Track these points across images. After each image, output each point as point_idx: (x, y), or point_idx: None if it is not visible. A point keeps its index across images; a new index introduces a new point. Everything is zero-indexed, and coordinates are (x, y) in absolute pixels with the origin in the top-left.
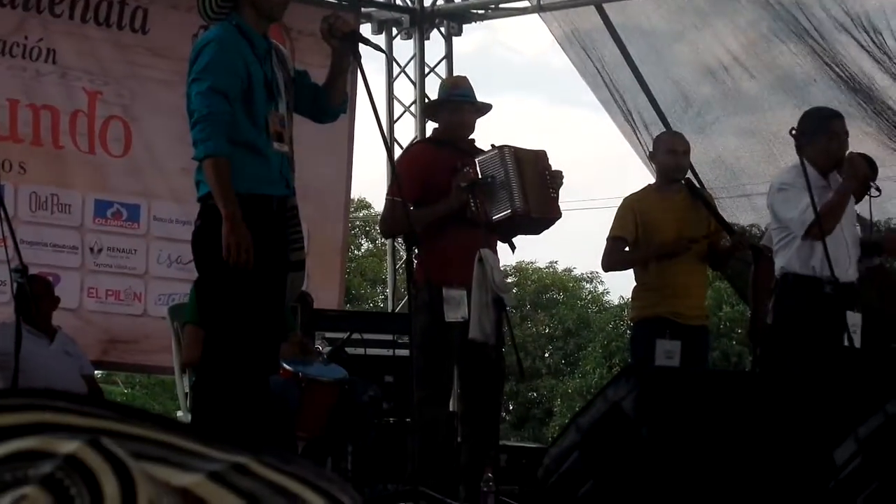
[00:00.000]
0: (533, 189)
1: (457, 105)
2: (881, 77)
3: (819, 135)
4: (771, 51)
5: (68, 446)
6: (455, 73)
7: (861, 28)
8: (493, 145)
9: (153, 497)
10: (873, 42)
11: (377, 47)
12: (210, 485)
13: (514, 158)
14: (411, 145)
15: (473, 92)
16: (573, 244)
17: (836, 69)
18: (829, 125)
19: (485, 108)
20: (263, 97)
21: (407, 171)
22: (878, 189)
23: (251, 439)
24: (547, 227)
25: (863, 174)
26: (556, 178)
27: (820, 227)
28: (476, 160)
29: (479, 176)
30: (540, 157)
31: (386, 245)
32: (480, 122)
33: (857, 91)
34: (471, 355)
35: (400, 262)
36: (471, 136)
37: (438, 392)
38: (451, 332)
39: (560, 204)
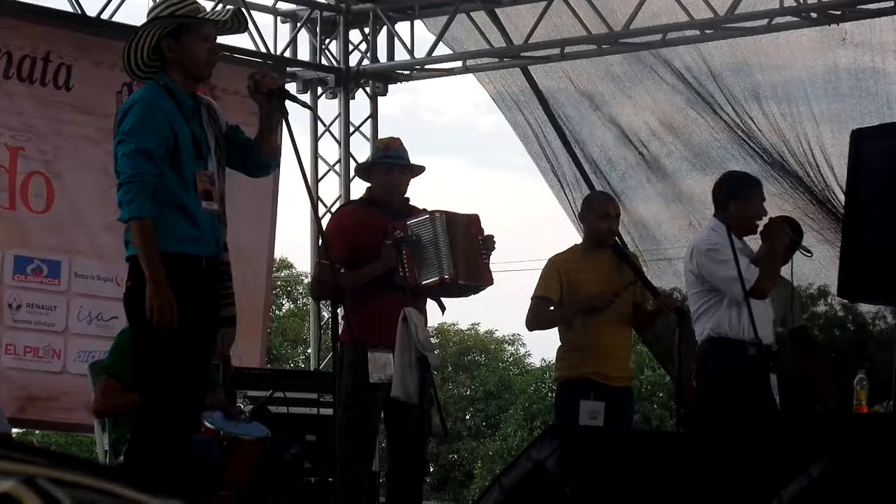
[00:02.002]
0: (463, 255)
1: (388, 167)
2: (790, 154)
3: (737, 199)
4: (688, 123)
5: (2, 486)
6: (380, 134)
7: (775, 100)
8: (425, 210)
9: None
10: (783, 115)
11: (303, 104)
12: None
13: (444, 223)
14: (342, 207)
15: (406, 153)
16: (495, 306)
17: (750, 143)
18: (748, 190)
19: (417, 170)
20: (191, 156)
21: (336, 233)
22: (809, 251)
23: (185, 488)
24: (477, 292)
25: (788, 238)
26: (488, 243)
27: (743, 290)
28: (407, 223)
29: (408, 234)
30: (472, 221)
31: (308, 305)
32: (413, 187)
33: (772, 165)
34: (395, 414)
35: (323, 321)
36: (405, 196)
37: (363, 451)
38: (376, 392)
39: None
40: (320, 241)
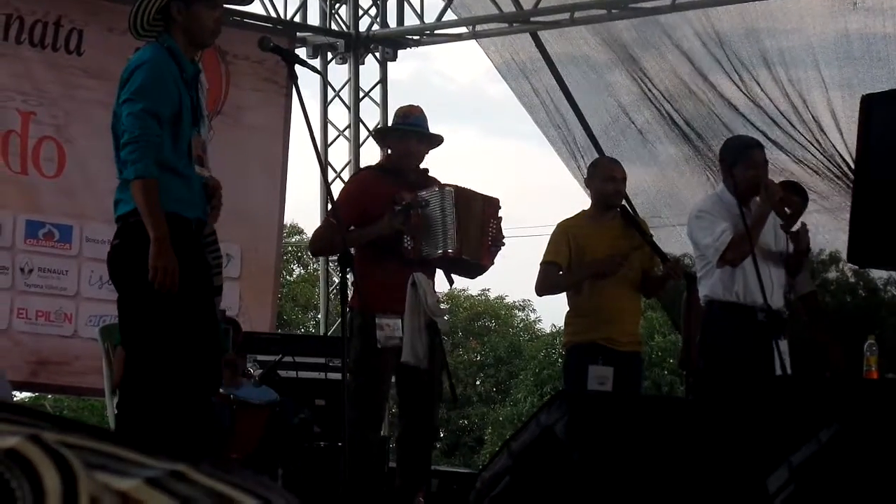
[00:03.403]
0: (468, 231)
1: (404, 133)
2: (799, 121)
3: (738, 163)
4: (695, 90)
5: (8, 442)
6: (390, 100)
7: (783, 66)
8: (439, 182)
9: (94, 492)
10: (789, 81)
11: (313, 68)
12: (147, 489)
13: (453, 198)
14: (357, 172)
15: (426, 122)
16: (505, 272)
17: (753, 113)
18: (748, 154)
19: (435, 140)
20: (189, 121)
21: (348, 196)
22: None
23: (189, 450)
24: (481, 273)
25: (777, 199)
26: (499, 234)
27: (751, 248)
28: (418, 194)
29: (416, 202)
30: (488, 203)
31: (318, 270)
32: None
33: (774, 136)
34: (405, 379)
35: (333, 287)
36: (422, 167)
37: (371, 416)
38: (384, 357)
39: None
40: (329, 205)
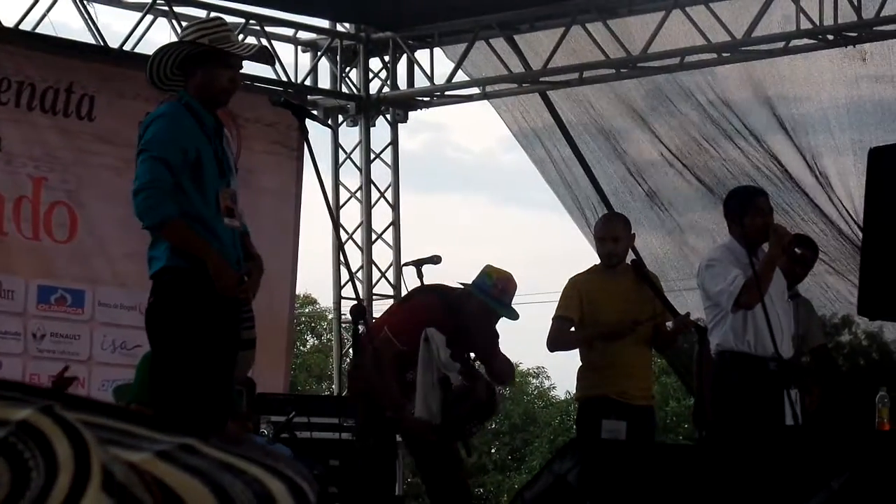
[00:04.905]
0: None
1: (493, 313)
2: (812, 183)
3: (746, 212)
4: (704, 154)
5: (20, 413)
6: (400, 160)
7: (794, 131)
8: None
9: (105, 461)
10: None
11: (323, 122)
12: (157, 462)
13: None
14: (428, 295)
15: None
16: (519, 339)
17: (768, 171)
18: (755, 201)
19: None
20: (215, 173)
21: (413, 322)
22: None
23: (199, 426)
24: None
25: (787, 241)
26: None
27: (761, 293)
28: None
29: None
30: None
31: (332, 340)
32: (434, 220)
33: (783, 198)
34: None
35: (346, 352)
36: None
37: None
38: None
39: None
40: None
